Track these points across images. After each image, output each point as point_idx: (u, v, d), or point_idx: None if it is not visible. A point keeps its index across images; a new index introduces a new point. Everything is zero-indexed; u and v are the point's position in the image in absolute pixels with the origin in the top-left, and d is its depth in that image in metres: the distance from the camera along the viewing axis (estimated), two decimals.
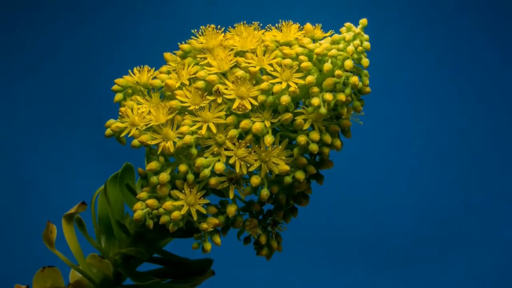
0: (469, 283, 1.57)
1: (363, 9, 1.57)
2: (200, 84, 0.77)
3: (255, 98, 0.75)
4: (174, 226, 0.76)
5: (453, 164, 1.63)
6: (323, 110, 0.75)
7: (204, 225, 0.76)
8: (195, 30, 0.82)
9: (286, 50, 0.77)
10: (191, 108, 0.76)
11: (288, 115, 0.75)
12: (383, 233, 1.59)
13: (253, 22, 0.81)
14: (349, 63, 0.75)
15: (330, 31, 0.79)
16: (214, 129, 0.75)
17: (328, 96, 0.74)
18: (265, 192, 0.76)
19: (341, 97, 0.75)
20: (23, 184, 1.55)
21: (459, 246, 1.59)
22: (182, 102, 0.76)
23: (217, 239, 0.77)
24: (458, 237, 1.60)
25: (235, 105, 0.75)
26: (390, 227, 1.59)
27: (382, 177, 1.61)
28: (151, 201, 0.76)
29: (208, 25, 0.81)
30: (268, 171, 0.75)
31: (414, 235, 1.60)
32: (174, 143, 0.75)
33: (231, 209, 0.77)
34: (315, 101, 0.74)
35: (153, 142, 0.76)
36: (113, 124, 0.78)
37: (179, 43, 0.82)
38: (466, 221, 1.61)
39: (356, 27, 0.77)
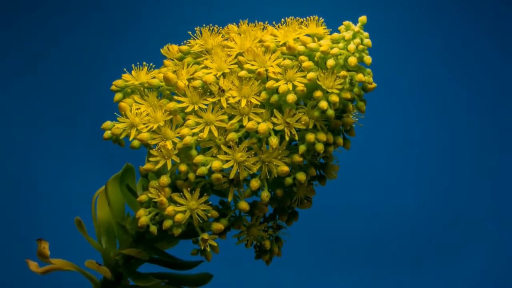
0: (468, 284, 1.57)
1: (362, 6, 1.57)
2: (197, 83, 0.76)
3: (259, 94, 0.74)
4: (177, 230, 0.75)
5: (453, 166, 1.63)
6: (330, 112, 0.74)
7: (205, 236, 0.76)
8: (191, 32, 0.81)
9: (295, 45, 0.76)
10: (189, 109, 0.75)
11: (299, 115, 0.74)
12: (383, 235, 1.59)
13: (258, 23, 0.81)
14: (353, 60, 0.74)
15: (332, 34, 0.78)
16: (215, 132, 0.74)
17: (335, 98, 0.74)
18: (265, 194, 0.75)
19: (347, 95, 0.74)
20: (23, 185, 1.55)
21: (458, 247, 1.59)
22: (179, 102, 0.76)
23: (216, 248, 0.77)
24: (457, 239, 1.60)
25: (242, 104, 0.74)
26: (390, 229, 1.59)
27: (382, 179, 1.61)
28: (163, 199, 0.75)
29: (204, 25, 0.81)
30: (267, 173, 0.75)
31: (414, 236, 1.60)
32: (174, 143, 0.75)
33: (243, 205, 0.76)
34: (324, 104, 0.74)
35: (153, 142, 0.76)
36: (114, 127, 0.78)
37: (177, 45, 0.82)
38: (466, 222, 1.61)
39: (355, 25, 0.77)
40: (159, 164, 0.75)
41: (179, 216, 0.75)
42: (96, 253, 0.85)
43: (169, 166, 0.75)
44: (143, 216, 0.76)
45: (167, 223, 0.75)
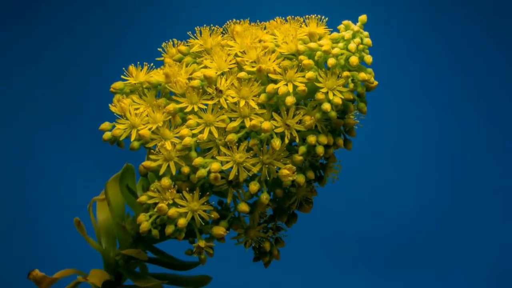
0: (468, 284, 1.57)
1: (362, 5, 1.57)
2: (196, 83, 0.76)
3: (258, 96, 0.74)
4: (180, 235, 0.75)
5: (453, 165, 1.63)
6: (333, 114, 0.74)
7: (202, 244, 0.76)
8: (191, 32, 0.81)
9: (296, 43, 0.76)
10: (189, 109, 0.75)
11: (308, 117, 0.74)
12: (383, 235, 1.59)
13: (260, 23, 0.80)
14: (354, 60, 0.74)
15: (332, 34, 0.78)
16: (216, 133, 0.74)
17: (337, 100, 0.73)
18: (264, 196, 0.75)
19: (349, 96, 0.74)
20: (23, 185, 1.55)
21: (459, 247, 1.59)
22: (178, 102, 0.76)
23: (210, 253, 0.77)
24: (457, 238, 1.60)
25: (242, 104, 0.74)
26: (390, 229, 1.59)
27: (382, 178, 1.61)
28: (163, 205, 0.75)
29: (205, 25, 0.81)
30: (267, 175, 0.74)
31: (414, 236, 1.60)
32: (174, 144, 0.75)
33: (243, 207, 0.76)
34: (327, 106, 0.73)
35: (152, 144, 0.75)
36: (114, 128, 0.77)
37: (182, 42, 0.82)
38: (466, 222, 1.60)
39: (355, 24, 0.76)
40: (162, 168, 0.75)
41: (181, 221, 0.74)
42: (95, 253, 0.85)
43: (173, 169, 0.74)
44: (144, 222, 0.76)
45: (169, 229, 0.75)
